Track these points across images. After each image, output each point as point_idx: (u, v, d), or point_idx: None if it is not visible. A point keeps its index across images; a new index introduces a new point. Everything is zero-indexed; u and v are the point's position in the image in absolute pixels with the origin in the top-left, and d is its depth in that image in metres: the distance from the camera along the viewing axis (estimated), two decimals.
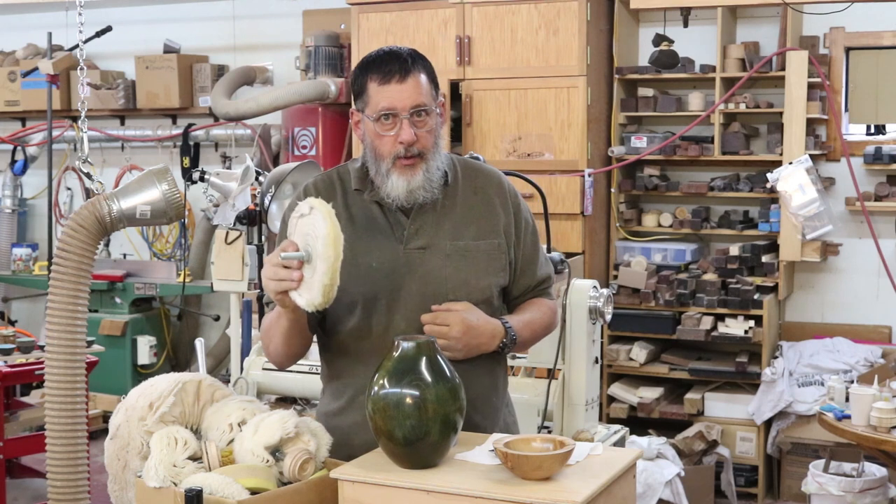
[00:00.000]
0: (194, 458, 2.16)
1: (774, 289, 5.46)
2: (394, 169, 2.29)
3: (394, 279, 2.33)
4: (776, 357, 5.46)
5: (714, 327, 5.44)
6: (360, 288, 2.32)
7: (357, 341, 2.34)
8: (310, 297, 2.10)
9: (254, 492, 2.06)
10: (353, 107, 2.37)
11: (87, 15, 4.28)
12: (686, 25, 5.12)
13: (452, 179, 2.40)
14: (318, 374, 3.75)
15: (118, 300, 6.80)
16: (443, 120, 2.39)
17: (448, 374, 2.05)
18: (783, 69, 5.35)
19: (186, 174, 4.70)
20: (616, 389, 5.63)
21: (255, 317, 4.69)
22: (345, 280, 2.20)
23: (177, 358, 7.14)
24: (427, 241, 2.35)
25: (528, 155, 5.57)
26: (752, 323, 5.36)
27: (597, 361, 3.80)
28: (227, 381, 3.98)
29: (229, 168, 6.75)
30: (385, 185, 2.31)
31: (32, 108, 7.36)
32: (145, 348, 6.72)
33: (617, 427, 3.71)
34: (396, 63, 2.28)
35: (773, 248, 5.52)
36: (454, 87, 5.68)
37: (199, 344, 4.10)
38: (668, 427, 5.47)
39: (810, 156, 5.25)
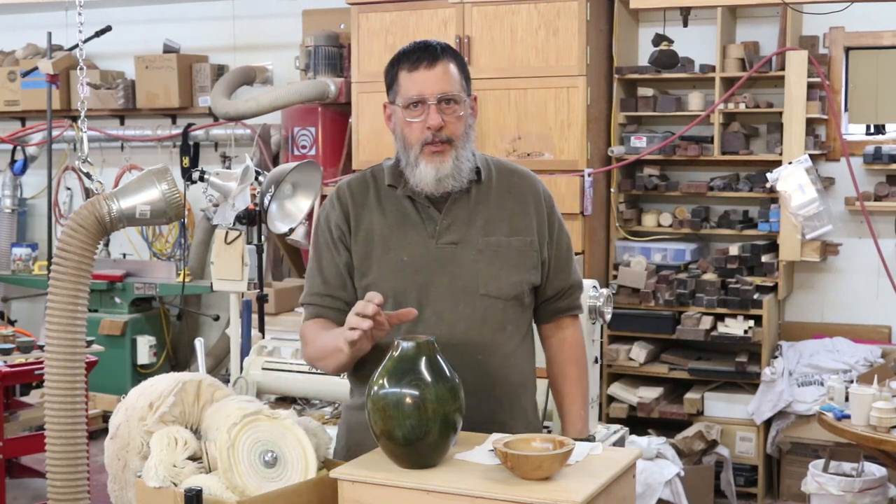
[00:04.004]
0: (194, 458, 2.16)
1: (774, 289, 5.46)
2: (422, 156, 2.32)
3: (425, 273, 2.34)
4: (776, 357, 5.46)
5: (714, 327, 5.44)
6: (390, 282, 2.33)
7: (387, 334, 2.33)
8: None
9: None
10: (386, 101, 2.41)
11: (87, 15, 4.28)
12: (686, 25, 5.12)
13: (486, 177, 2.42)
14: (318, 374, 3.76)
15: (118, 300, 6.80)
16: (474, 115, 2.41)
17: (448, 374, 2.05)
18: (783, 69, 5.34)
19: (186, 174, 4.69)
20: (616, 389, 5.63)
21: (254, 317, 4.68)
22: (376, 274, 2.28)
23: (177, 358, 7.14)
24: (459, 236, 2.36)
25: (528, 155, 5.57)
26: (751, 323, 5.36)
27: (596, 361, 3.80)
28: (226, 381, 3.98)
29: (229, 168, 6.75)
30: (414, 174, 2.33)
31: (32, 108, 7.36)
32: (145, 348, 6.72)
33: (616, 427, 3.71)
34: (426, 51, 2.34)
35: (773, 247, 5.52)
36: None
37: (199, 344, 4.10)
38: (668, 427, 5.47)
39: (810, 156, 5.25)
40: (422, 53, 2.33)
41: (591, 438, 2.49)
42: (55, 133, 7.12)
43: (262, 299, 4.71)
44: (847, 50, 5.66)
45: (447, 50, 2.37)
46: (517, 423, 2.40)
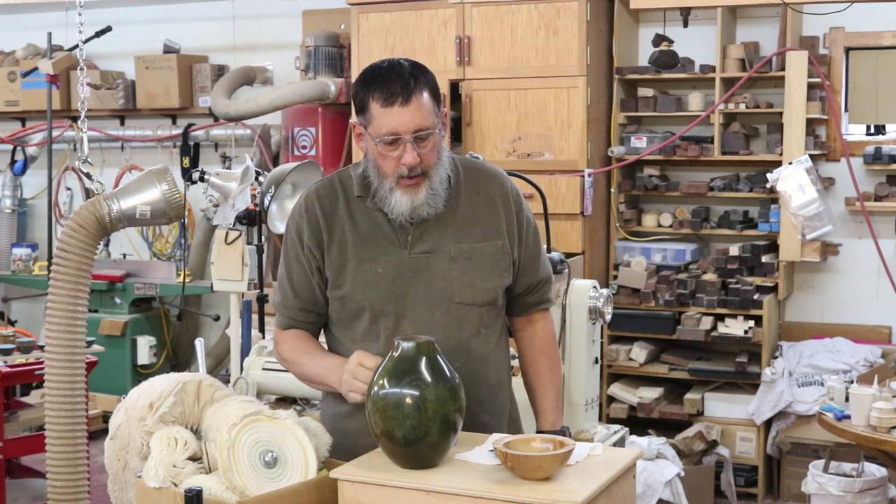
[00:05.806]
0: (194, 459, 2.16)
1: (774, 289, 5.46)
2: (397, 188, 2.30)
3: (400, 284, 2.34)
4: (776, 357, 5.46)
5: (714, 327, 5.44)
6: (366, 293, 2.34)
7: (366, 346, 2.35)
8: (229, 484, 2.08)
9: None
10: (355, 119, 2.34)
11: (87, 15, 4.28)
12: (686, 25, 5.11)
13: (455, 182, 2.40)
14: None
15: (118, 300, 6.80)
16: (444, 130, 2.38)
17: (448, 374, 2.05)
18: (783, 69, 5.34)
19: (186, 174, 4.69)
20: (616, 389, 5.63)
21: (254, 317, 4.68)
22: (351, 286, 2.29)
23: (177, 358, 7.14)
24: (431, 245, 2.36)
25: (528, 155, 5.57)
26: (751, 323, 5.36)
27: (596, 361, 3.80)
28: (226, 382, 3.98)
29: (229, 168, 6.75)
30: (388, 201, 2.31)
31: (32, 108, 7.36)
32: (145, 348, 6.71)
33: (617, 427, 3.71)
34: (399, 84, 2.24)
35: (773, 248, 5.52)
36: (454, 87, 5.68)
37: (199, 344, 4.10)
38: (668, 427, 5.47)
39: (810, 156, 5.25)
40: (395, 87, 2.23)
41: (564, 431, 2.49)
42: (55, 133, 7.12)
43: (262, 299, 4.71)
44: (847, 50, 5.65)
45: (419, 78, 2.27)
46: (498, 423, 2.43)
